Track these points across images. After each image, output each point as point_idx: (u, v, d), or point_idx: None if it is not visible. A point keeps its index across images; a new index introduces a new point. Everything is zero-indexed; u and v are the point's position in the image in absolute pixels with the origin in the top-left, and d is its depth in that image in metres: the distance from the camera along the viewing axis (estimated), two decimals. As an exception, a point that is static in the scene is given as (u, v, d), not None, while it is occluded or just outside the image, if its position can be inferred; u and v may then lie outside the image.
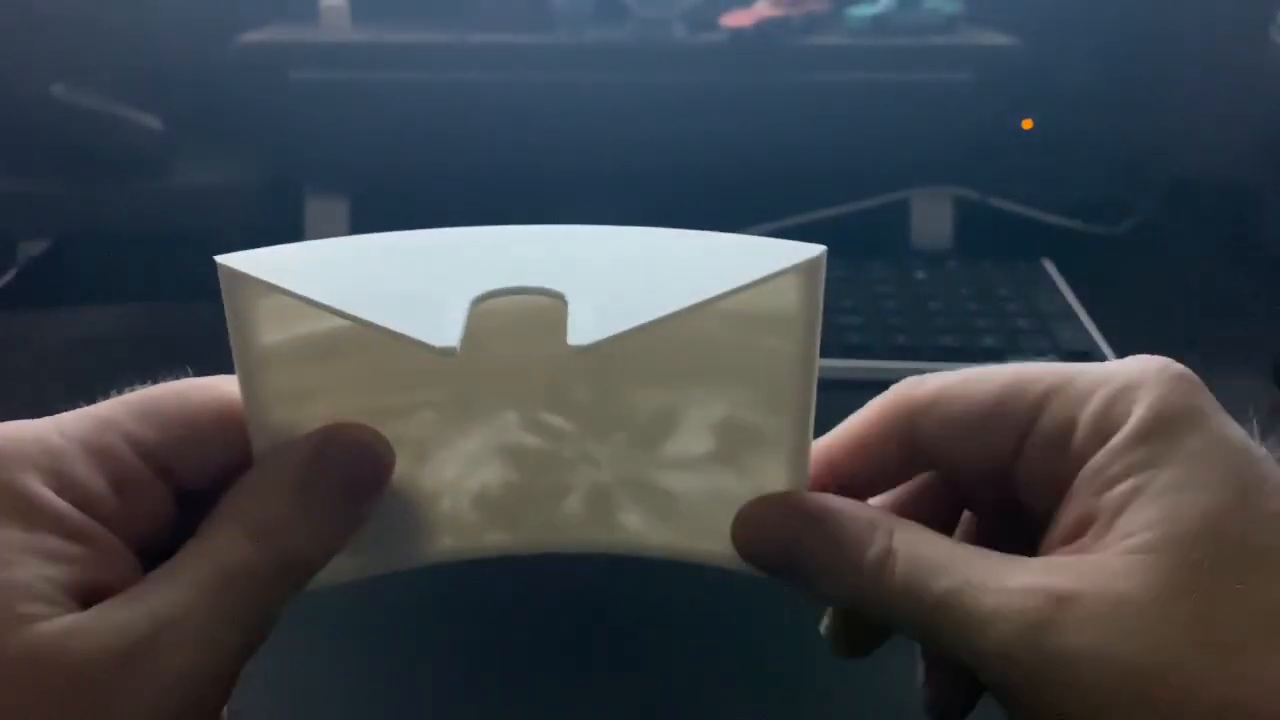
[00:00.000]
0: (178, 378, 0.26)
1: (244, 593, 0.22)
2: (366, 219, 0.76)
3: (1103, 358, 0.60)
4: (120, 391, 0.25)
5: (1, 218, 0.80)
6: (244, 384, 0.25)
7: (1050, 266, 0.72)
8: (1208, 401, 0.23)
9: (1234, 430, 0.23)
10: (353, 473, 0.24)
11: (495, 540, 0.29)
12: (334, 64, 0.78)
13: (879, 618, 0.24)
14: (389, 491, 0.25)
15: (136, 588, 0.22)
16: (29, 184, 0.80)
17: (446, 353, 0.20)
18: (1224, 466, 0.22)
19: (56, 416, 0.24)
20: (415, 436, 0.27)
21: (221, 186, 0.81)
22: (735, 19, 0.74)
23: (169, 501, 0.24)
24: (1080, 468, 0.24)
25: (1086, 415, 0.24)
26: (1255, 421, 0.24)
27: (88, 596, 0.21)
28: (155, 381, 0.26)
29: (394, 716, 0.40)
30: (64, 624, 0.20)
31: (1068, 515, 0.24)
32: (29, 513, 0.21)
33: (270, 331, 0.25)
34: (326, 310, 0.22)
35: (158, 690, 0.21)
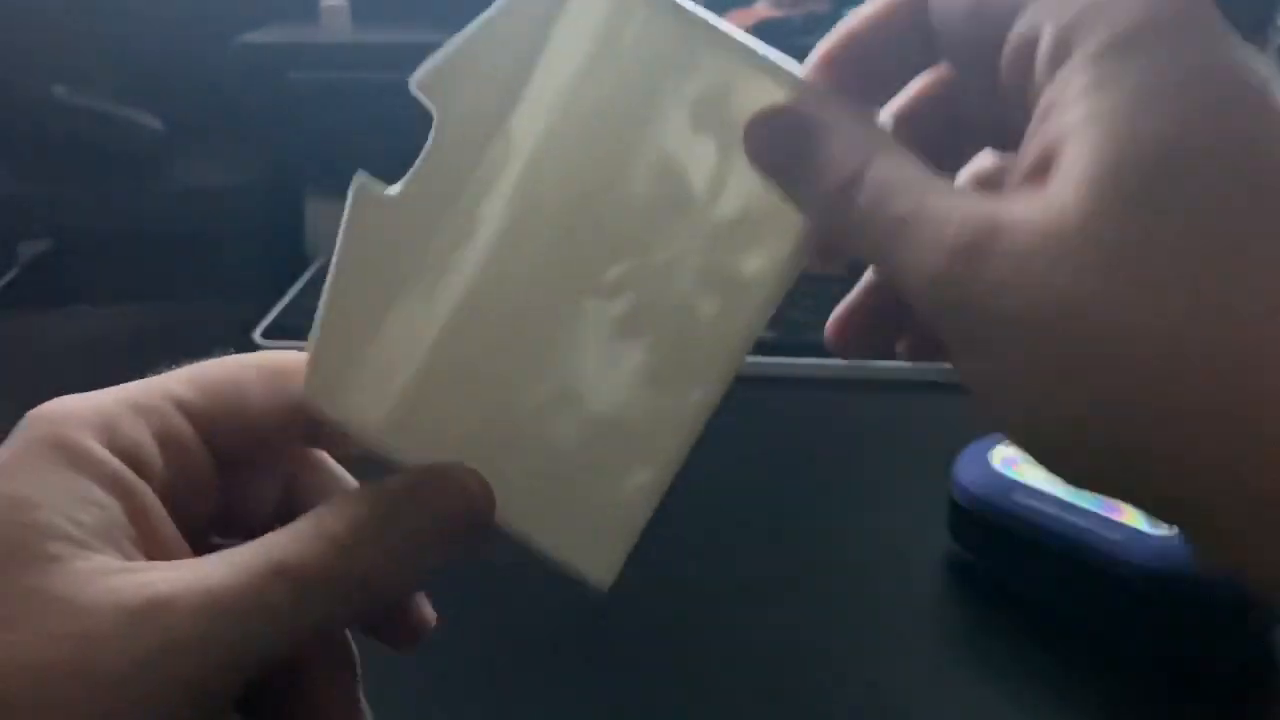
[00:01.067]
0: None
1: (288, 591, 0.21)
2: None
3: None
4: None
5: (1, 218, 0.80)
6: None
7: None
8: (1198, 10, 0.20)
9: (1217, 42, 0.20)
10: (444, 514, 0.24)
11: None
12: (334, 64, 0.78)
13: (845, 245, 0.24)
14: None
15: (185, 560, 0.22)
16: (29, 184, 0.80)
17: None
18: (1188, 83, 0.19)
19: (110, 388, 0.24)
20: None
21: (221, 186, 0.81)
22: (735, 19, 0.74)
23: (211, 467, 0.25)
24: (1044, 88, 0.21)
25: (1055, 26, 0.21)
26: None
27: (122, 546, 0.22)
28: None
29: (395, 716, 0.40)
30: (88, 567, 0.21)
31: (1030, 145, 0.21)
32: (76, 461, 0.22)
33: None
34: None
35: (157, 657, 0.20)
